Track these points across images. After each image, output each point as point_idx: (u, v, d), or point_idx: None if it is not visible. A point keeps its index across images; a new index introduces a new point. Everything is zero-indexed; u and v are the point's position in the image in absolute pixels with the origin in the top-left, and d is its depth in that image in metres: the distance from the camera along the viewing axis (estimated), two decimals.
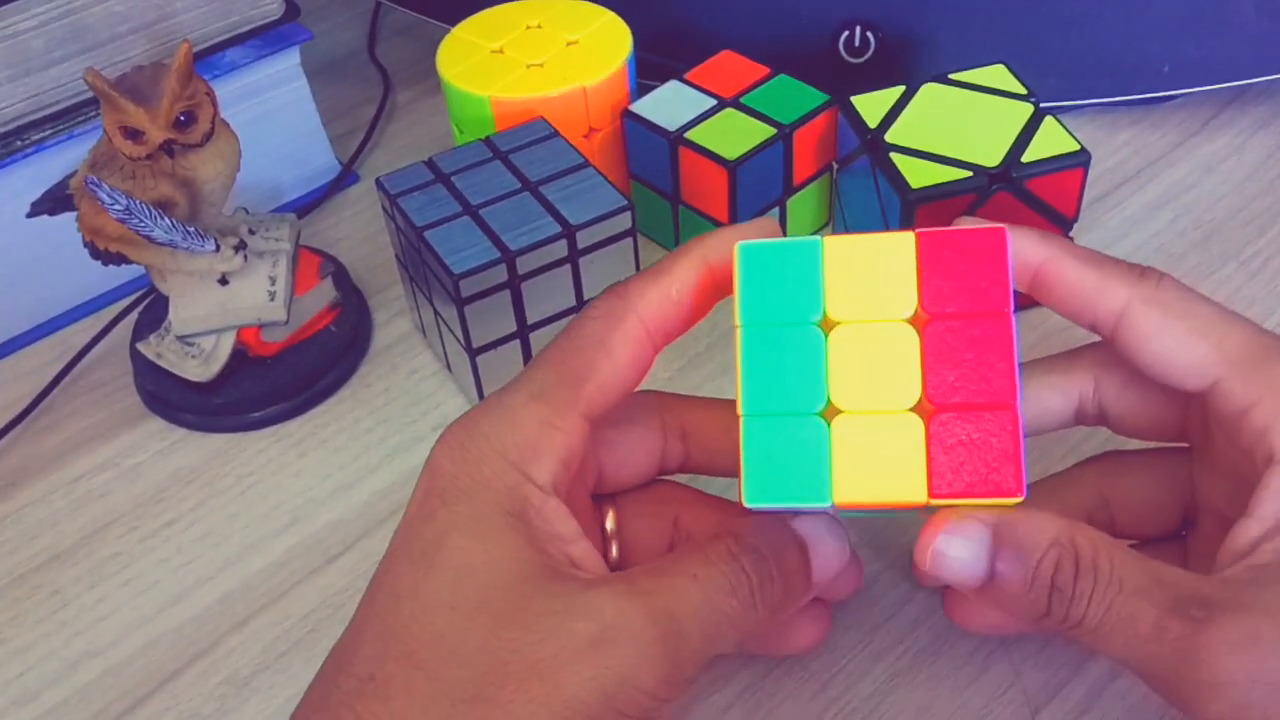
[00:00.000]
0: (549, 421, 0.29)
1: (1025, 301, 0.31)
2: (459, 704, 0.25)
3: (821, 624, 0.35)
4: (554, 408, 0.29)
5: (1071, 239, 0.45)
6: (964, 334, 0.27)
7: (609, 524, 0.34)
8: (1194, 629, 0.25)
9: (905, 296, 0.27)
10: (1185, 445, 0.33)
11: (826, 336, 0.27)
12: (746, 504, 0.27)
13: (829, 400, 0.27)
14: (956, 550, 0.28)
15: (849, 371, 0.27)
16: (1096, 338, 0.31)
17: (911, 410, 0.27)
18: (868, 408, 0.27)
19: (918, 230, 0.27)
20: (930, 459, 0.27)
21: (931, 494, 0.27)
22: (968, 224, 0.31)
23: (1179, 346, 0.29)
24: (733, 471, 0.29)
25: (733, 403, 0.28)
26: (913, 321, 0.27)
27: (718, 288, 0.31)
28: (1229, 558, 0.28)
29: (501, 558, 0.27)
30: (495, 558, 0.27)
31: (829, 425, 0.27)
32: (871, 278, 0.27)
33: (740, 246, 0.28)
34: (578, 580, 0.27)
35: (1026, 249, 0.30)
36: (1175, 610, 0.26)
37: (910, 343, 0.27)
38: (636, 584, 0.27)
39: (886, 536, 0.39)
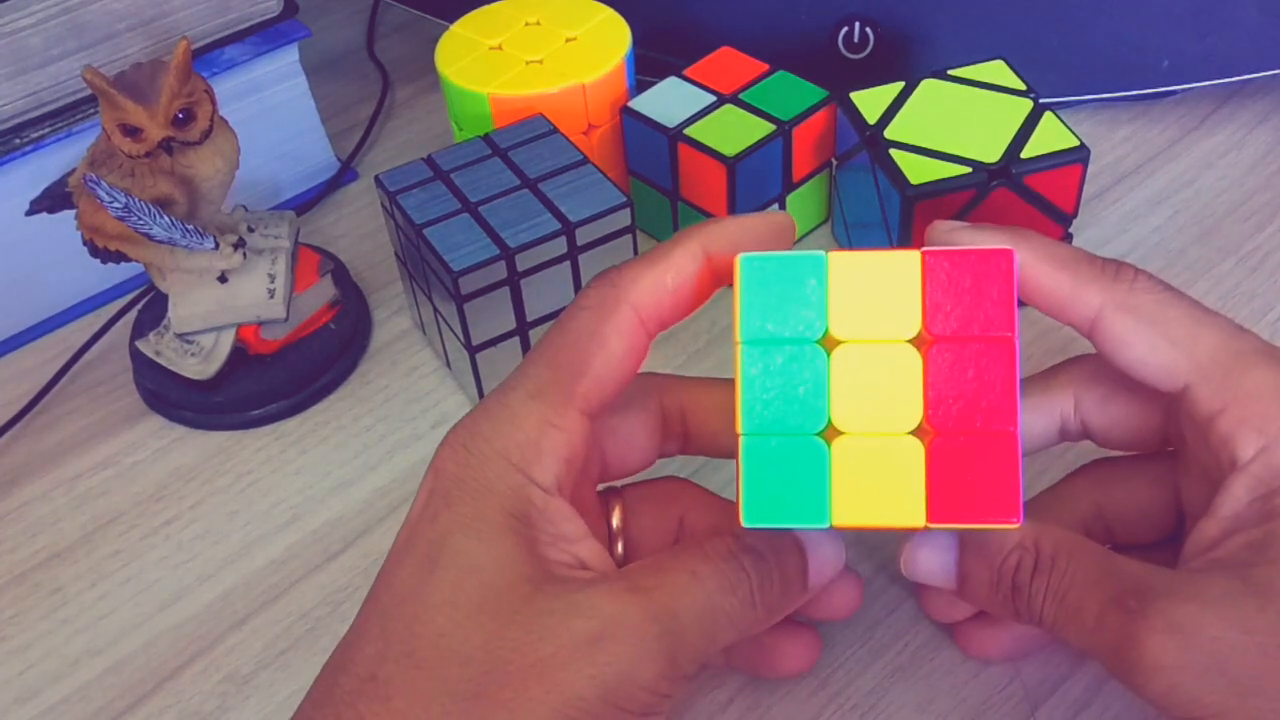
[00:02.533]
0: (549, 421, 0.29)
1: None
2: (459, 702, 0.26)
3: (811, 649, 0.35)
4: (553, 406, 0.29)
5: (1071, 235, 0.45)
6: (967, 358, 0.27)
7: (615, 520, 0.34)
8: (1128, 618, 0.26)
9: (909, 317, 0.27)
10: (1173, 450, 0.33)
11: (829, 356, 0.27)
12: (744, 524, 0.27)
13: (830, 421, 0.27)
14: (926, 557, 0.31)
15: (850, 393, 0.27)
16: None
17: (912, 434, 0.27)
18: (868, 430, 0.27)
19: (924, 249, 0.27)
20: (930, 483, 0.27)
21: (930, 519, 0.27)
22: (975, 234, 0.31)
23: (1150, 353, 0.29)
24: (733, 453, 0.29)
25: (731, 382, 0.28)
26: (915, 343, 0.27)
27: (717, 278, 0.30)
28: (1190, 554, 0.29)
29: (503, 559, 0.27)
30: (497, 559, 0.27)
31: (829, 447, 0.27)
32: (876, 296, 0.27)
33: (742, 259, 0.28)
34: (578, 580, 0.27)
35: None
36: (1115, 601, 0.27)
37: (913, 365, 0.27)
38: (635, 581, 0.27)
39: (885, 533, 0.38)
